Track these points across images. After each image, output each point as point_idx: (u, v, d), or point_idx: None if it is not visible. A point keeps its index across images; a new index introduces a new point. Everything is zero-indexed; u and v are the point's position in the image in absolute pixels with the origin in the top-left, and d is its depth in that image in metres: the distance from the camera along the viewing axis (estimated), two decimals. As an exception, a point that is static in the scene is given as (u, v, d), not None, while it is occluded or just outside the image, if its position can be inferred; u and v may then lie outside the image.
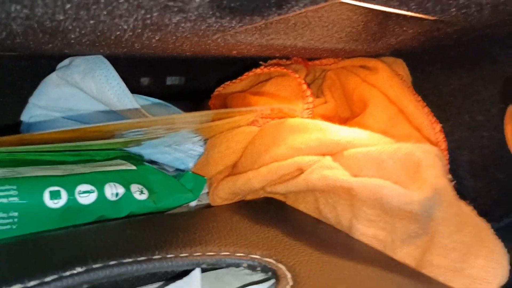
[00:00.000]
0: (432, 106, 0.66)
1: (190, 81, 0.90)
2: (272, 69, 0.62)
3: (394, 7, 0.44)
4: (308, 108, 0.57)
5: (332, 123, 0.53)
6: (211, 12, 0.39)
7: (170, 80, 0.90)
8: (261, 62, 0.68)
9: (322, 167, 0.48)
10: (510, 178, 0.61)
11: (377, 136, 0.50)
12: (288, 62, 0.67)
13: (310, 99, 0.57)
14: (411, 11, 0.45)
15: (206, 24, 0.41)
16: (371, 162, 0.47)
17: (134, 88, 0.56)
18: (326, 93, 0.69)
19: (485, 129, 0.62)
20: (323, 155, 0.50)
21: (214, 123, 0.56)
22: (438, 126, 0.62)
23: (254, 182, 0.52)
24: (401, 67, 0.67)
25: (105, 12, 0.34)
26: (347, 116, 0.68)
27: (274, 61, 0.67)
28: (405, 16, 0.51)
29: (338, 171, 0.47)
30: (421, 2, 0.43)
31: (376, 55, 0.67)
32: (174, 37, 0.46)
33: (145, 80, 0.78)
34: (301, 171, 0.50)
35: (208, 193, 0.60)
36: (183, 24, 0.41)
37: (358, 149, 0.48)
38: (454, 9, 0.45)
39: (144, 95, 0.63)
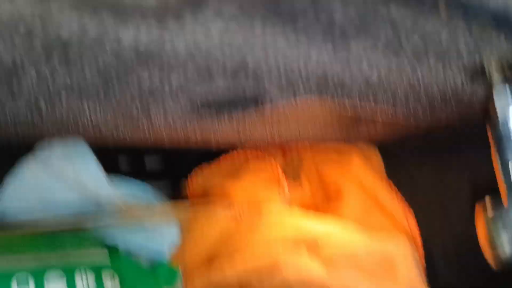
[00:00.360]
0: (405, 193, 0.67)
1: (169, 160, 0.91)
2: (249, 153, 0.63)
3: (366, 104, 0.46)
4: (284, 197, 0.57)
5: (308, 214, 0.53)
6: (192, 113, 0.40)
7: (148, 160, 0.90)
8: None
9: (297, 261, 0.48)
10: (482, 267, 0.61)
11: (353, 229, 0.51)
12: (265, 146, 0.69)
13: (287, 187, 0.58)
14: (383, 107, 0.48)
15: (187, 124, 0.43)
16: (347, 256, 0.47)
17: (112, 167, 0.56)
18: (302, 176, 0.69)
19: (457, 217, 0.63)
20: (299, 248, 0.50)
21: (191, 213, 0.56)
22: (411, 214, 0.63)
23: (228, 276, 0.51)
24: (374, 154, 0.69)
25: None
26: (323, 200, 0.69)
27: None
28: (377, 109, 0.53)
29: (313, 265, 0.47)
30: (393, 101, 0.45)
31: (351, 143, 0.69)
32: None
33: (123, 159, 0.77)
34: (276, 264, 0.50)
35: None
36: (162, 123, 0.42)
37: (334, 243, 0.49)
38: (420, 108, 0.48)
39: (122, 174, 0.63)
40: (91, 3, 0.20)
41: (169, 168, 0.89)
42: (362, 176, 0.63)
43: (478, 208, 0.32)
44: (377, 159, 0.69)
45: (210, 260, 0.57)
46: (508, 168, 0.31)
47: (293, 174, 0.71)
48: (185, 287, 0.55)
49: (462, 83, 0.37)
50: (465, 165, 0.61)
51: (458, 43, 0.28)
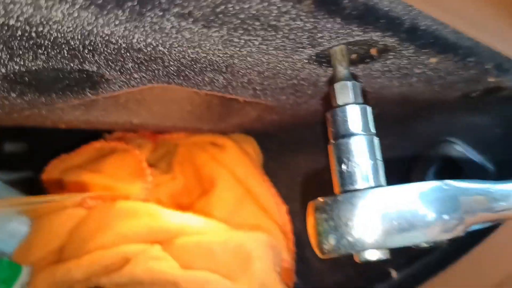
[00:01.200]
0: (282, 185, 0.66)
1: (33, 149, 0.82)
2: (112, 144, 0.58)
3: (227, 94, 0.43)
4: (146, 189, 0.53)
5: (168, 208, 0.49)
6: (8, 88, 0.34)
7: (8, 147, 0.81)
8: (105, 134, 0.63)
9: (148, 257, 0.44)
10: (351, 262, 0.61)
11: (212, 224, 0.47)
12: (134, 135, 0.63)
13: (150, 178, 0.54)
14: (246, 98, 0.45)
15: (8, 100, 0.36)
16: (201, 252, 0.44)
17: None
18: (175, 168, 0.65)
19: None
20: (152, 243, 0.46)
21: (37, 198, 0.50)
22: (284, 208, 0.61)
23: (74, 273, 0.46)
24: (251, 145, 0.67)
25: None
26: (198, 193, 0.65)
27: (119, 133, 0.63)
28: (245, 100, 0.50)
29: (165, 263, 0.43)
30: (254, 91, 0.42)
31: (227, 133, 0.66)
32: None
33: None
34: (127, 260, 0.46)
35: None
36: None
37: (189, 238, 0.45)
38: (285, 98, 0.45)
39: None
40: None
41: (35, 157, 0.81)
42: (235, 168, 0.61)
43: (309, 206, 0.30)
44: (253, 150, 0.67)
45: (58, 256, 0.51)
46: (340, 157, 0.29)
47: (166, 166, 0.67)
48: (29, 286, 0.49)
49: (315, 73, 0.35)
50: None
51: (303, 30, 0.26)
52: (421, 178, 0.53)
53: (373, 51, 0.31)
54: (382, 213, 0.26)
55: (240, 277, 0.42)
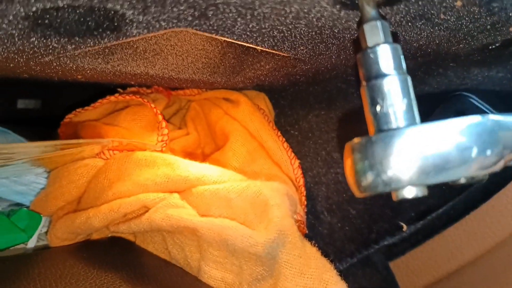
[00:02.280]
0: (293, 141, 0.67)
1: (46, 105, 0.82)
2: (127, 97, 0.58)
3: (245, 42, 0.42)
4: (162, 141, 0.53)
5: (183, 158, 0.50)
6: (31, 30, 0.34)
7: (22, 103, 0.81)
8: (119, 89, 0.63)
9: (167, 205, 0.45)
10: (361, 215, 0.62)
11: (229, 173, 0.48)
12: (148, 90, 0.63)
13: (166, 131, 0.54)
14: (264, 47, 0.45)
15: (29, 44, 0.36)
16: (219, 200, 0.45)
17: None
18: (189, 124, 0.66)
19: (340, 166, 0.63)
20: (171, 192, 0.47)
21: (56, 153, 0.51)
22: (297, 162, 0.62)
23: (94, 221, 0.47)
24: (263, 101, 0.67)
25: None
26: (211, 148, 0.66)
27: (133, 88, 0.63)
28: (261, 51, 0.50)
29: (183, 210, 0.44)
30: (273, 40, 0.42)
31: (239, 88, 0.66)
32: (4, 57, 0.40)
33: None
34: (146, 209, 0.47)
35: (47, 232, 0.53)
36: (5, 42, 0.36)
37: (206, 186, 0.46)
38: (303, 48, 0.45)
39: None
40: None
41: (47, 113, 0.81)
42: (249, 123, 0.61)
43: (346, 147, 0.30)
44: (266, 106, 0.67)
45: (76, 206, 0.52)
46: (374, 98, 0.30)
47: (180, 121, 0.67)
48: (49, 235, 0.50)
49: (339, 17, 0.35)
50: (350, 113, 0.61)
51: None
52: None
53: (399, -8, 0.31)
54: (419, 150, 0.26)
55: (258, 224, 0.43)
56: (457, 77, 0.55)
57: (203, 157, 0.63)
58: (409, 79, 0.31)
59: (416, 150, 0.26)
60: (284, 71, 0.57)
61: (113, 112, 0.60)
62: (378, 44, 0.31)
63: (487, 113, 0.52)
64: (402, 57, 0.31)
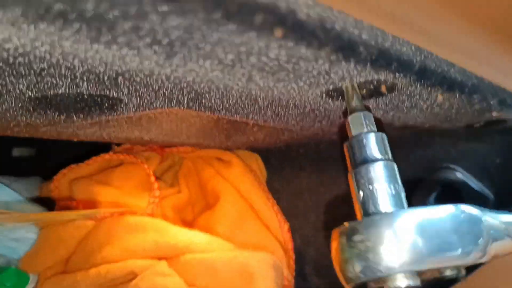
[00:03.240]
0: (284, 201, 0.67)
1: (41, 154, 0.83)
2: (121, 156, 0.59)
3: (238, 118, 0.44)
4: (153, 203, 0.54)
5: (174, 223, 0.50)
6: (30, 109, 0.35)
7: (17, 151, 0.82)
8: (114, 145, 0.65)
9: (154, 273, 0.45)
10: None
11: (217, 241, 0.49)
12: (143, 148, 0.65)
13: (157, 192, 0.55)
14: (253, 120, 0.46)
15: (26, 119, 0.38)
16: (206, 270, 0.45)
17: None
18: (181, 181, 0.67)
19: (329, 229, 0.64)
20: (159, 258, 0.47)
21: (48, 215, 0.51)
22: (286, 226, 0.63)
23: (81, 284, 0.47)
24: (256, 162, 0.68)
25: None
26: (202, 206, 0.66)
27: (127, 146, 0.64)
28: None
29: (170, 279, 0.44)
30: (265, 116, 0.44)
31: (233, 149, 0.67)
32: (4, 121, 0.41)
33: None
34: (134, 275, 0.47)
35: (34, 291, 0.53)
36: (9, 113, 0.37)
37: (195, 255, 0.46)
38: (293, 122, 0.47)
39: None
40: None
41: (42, 162, 0.82)
42: (240, 184, 0.62)
43: (334, 231, 0.31)
44: (258, 167, 0.68)
45: (65, 266, 0.52)
46: (361, 183, 0.31)
47: (171, 178, 0.68)
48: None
49: (327, 104, 0.37)
50: (340, 176, 0.62)
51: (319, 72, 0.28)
52: (423, 203, 0.54)
53: (383, 88, 0.33)
54: (408, 235, 0.26)
55: (243, 295, 0.43)
56: (443, 149, 0.57)
57: (193, 216, 0.64)
58: (394, 165, 0.32)
59: (406, 235, 0.26)
60: (276, 137, 0.58)
61: (107, 169, 0.61)
62: (361, 133, 0.32)
63: (473, 187, 0.53)
64: (386, 143, 0.32)
